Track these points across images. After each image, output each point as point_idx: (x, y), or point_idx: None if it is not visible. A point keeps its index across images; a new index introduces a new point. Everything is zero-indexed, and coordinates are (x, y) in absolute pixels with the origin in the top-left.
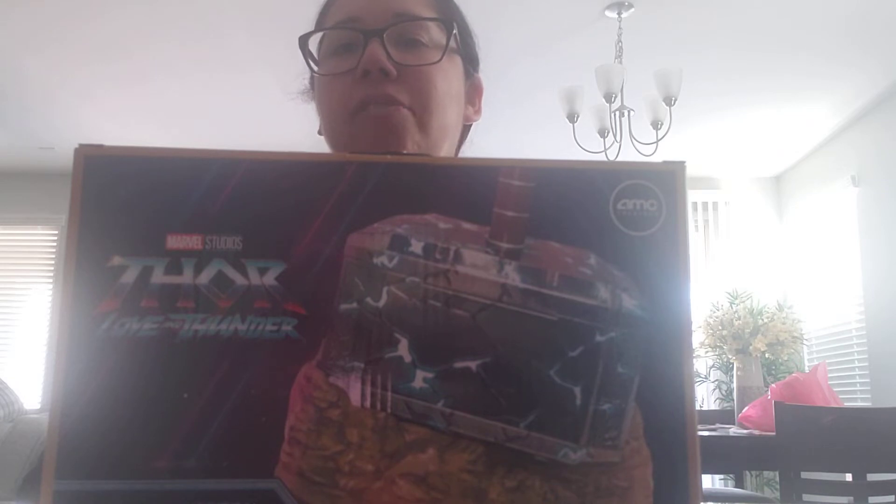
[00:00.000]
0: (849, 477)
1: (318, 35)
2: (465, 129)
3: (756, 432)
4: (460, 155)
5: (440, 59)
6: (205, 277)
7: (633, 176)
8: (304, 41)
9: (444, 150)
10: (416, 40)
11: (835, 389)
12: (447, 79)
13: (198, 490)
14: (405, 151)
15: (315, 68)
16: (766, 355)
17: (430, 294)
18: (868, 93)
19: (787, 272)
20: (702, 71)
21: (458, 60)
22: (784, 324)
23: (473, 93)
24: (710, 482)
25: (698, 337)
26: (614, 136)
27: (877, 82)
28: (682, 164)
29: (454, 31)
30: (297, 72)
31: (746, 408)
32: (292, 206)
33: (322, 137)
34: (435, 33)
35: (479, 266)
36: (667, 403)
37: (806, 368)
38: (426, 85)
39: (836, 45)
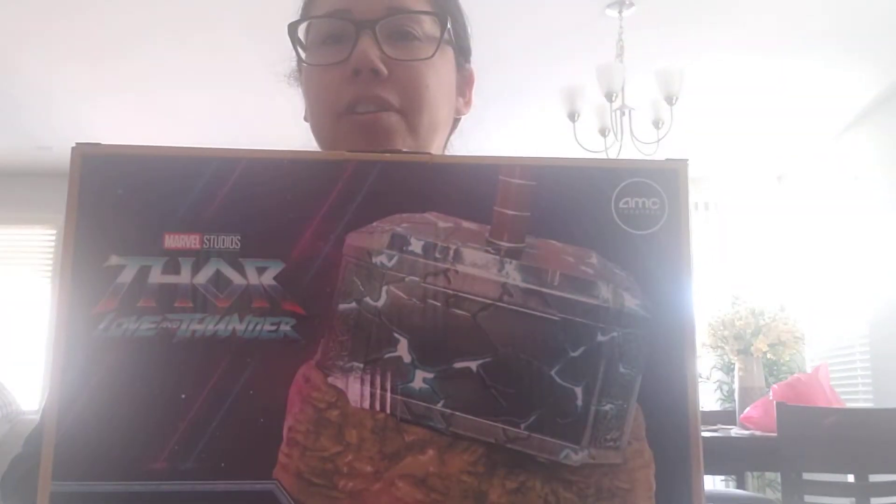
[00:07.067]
0: (851, 478)
1: (306, 21)
2: (455, 122)
3: (758, 433)
4: (449, 146)
5: (433, 55)
6: (203, 277)
7: (635, 174)
8: (293, 29)
9: (434, 147)
10: (408, 33)
11: (836, 390)
12: (438, 75)
13: (195, 491)
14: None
15: (303, 56)
16: (768, 356)
17: (429, 293)
18: (868, 93)
19: (788, 272)
20: (703, 70)
21: (449, 53)
22: (786, 324)
23: (464, 84)
24: (712, 483)
25: (699, 337)
26: (615, 135)
27: (877, 82)
28: (684, 163)
29: (448, 26)
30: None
31: (748, 408)
32: (291, 205)
33: (308, 124)
34: (428, 26)
35: (479, 265)
36: (669, 404)
37: (808, 369)
38: (417, 85)
39: (837, 46)
